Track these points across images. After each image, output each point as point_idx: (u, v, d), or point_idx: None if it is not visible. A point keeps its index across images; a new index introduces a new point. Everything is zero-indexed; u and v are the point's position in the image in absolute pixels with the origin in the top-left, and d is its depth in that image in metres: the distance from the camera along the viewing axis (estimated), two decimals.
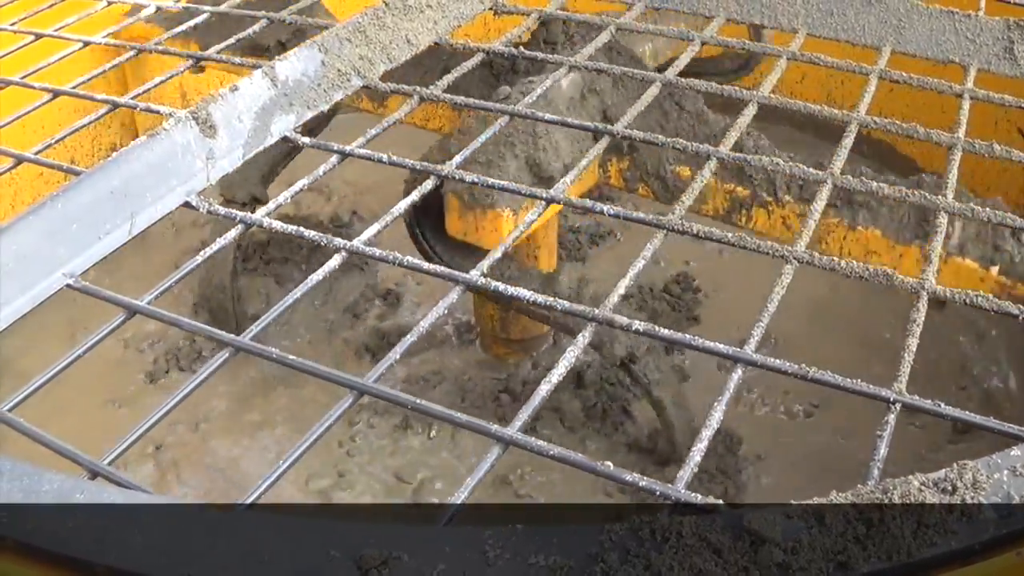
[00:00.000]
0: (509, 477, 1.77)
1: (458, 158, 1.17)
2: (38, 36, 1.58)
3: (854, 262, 0.95)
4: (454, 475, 1.80)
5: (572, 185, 1.13)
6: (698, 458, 0.75)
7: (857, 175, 1.15)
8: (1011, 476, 0.66)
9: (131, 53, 1.49)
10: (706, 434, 0.77)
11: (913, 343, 0.86)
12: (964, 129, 1.18)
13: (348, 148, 1.18)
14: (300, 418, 1.93)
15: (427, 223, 1.54)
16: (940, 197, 1.05)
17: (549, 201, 1.08)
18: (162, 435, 1.90)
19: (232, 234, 1.06)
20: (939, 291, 0.92)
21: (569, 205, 1.09)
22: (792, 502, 0.65)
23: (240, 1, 1.66)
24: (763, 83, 1.29)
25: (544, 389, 0.83)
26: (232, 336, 0.90)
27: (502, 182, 1.13)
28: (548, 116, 1.25)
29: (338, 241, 1.02)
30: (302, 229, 1.04)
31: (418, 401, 0.81)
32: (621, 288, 0.95)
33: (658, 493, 0.71)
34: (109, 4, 1.73)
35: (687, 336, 0.87)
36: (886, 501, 0.64)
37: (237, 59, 1.43)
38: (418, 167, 1.16)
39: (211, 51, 1.46)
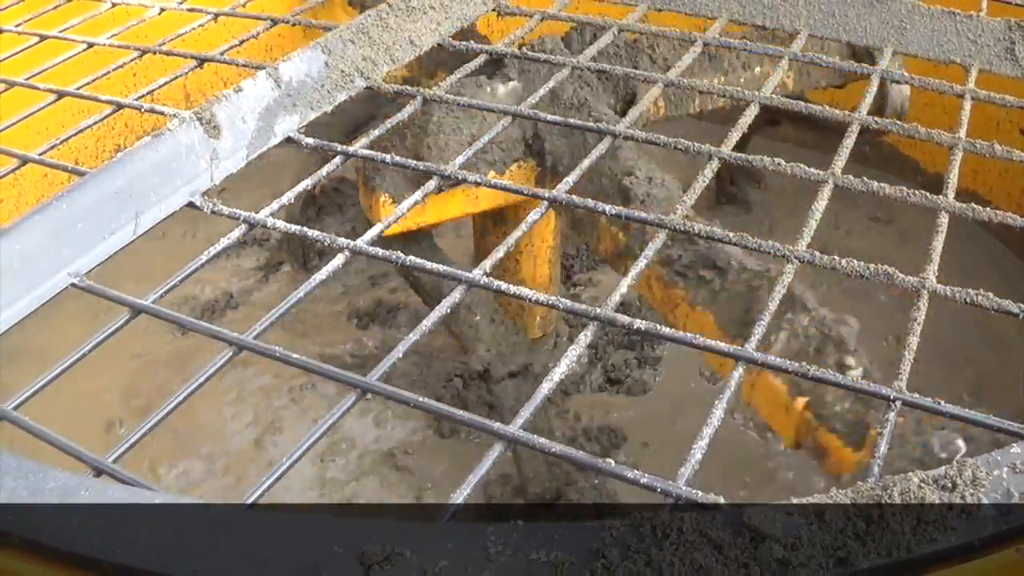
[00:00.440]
0: None
1: (460, 159, 1.18)
2: (43, 37, 1.58)
3: (855, 261, 0.95)
4: None
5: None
6: (699, 455, 0.76)
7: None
8: (1010, 473, 0.66)
9: (135, 55, 1.50)
10: (707, 432, 0.77)
11: (914, 342, 0.87)
12: (965, 129, 1.19)
13: (352, 148, 1.19)
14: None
15: None
16: (940, 197, 1.06)
17: (550, 201, 1.09)
18: None
19: (236, 234, 1.07)
20: (940, 290, 0.92)
21: (570, 205, 1.09)
22: (793, 500, 0.65)
23: (241, 1, 1.67)
24: (764, 84, 1.30)
25: (546, 387, 0.83)
26: (235, 335, 0.90)
27: (503, 182, 1.13)
28: (550, 117, 1.26)
29: (341, 241, 1.03)
30: (305, 229, 1.05)
31: (420, 399, 0.81)
32: (623, 287, 0.95)
33: (659, 490, 0.72)
34: (113, 6, 1.74)
35: (687, 335, 0.87)
36: (886, 498, 0.64)
37: (240, 60, 1.43)
38: (420, 168, 1.16)
39: (214, 52, 1.46)
